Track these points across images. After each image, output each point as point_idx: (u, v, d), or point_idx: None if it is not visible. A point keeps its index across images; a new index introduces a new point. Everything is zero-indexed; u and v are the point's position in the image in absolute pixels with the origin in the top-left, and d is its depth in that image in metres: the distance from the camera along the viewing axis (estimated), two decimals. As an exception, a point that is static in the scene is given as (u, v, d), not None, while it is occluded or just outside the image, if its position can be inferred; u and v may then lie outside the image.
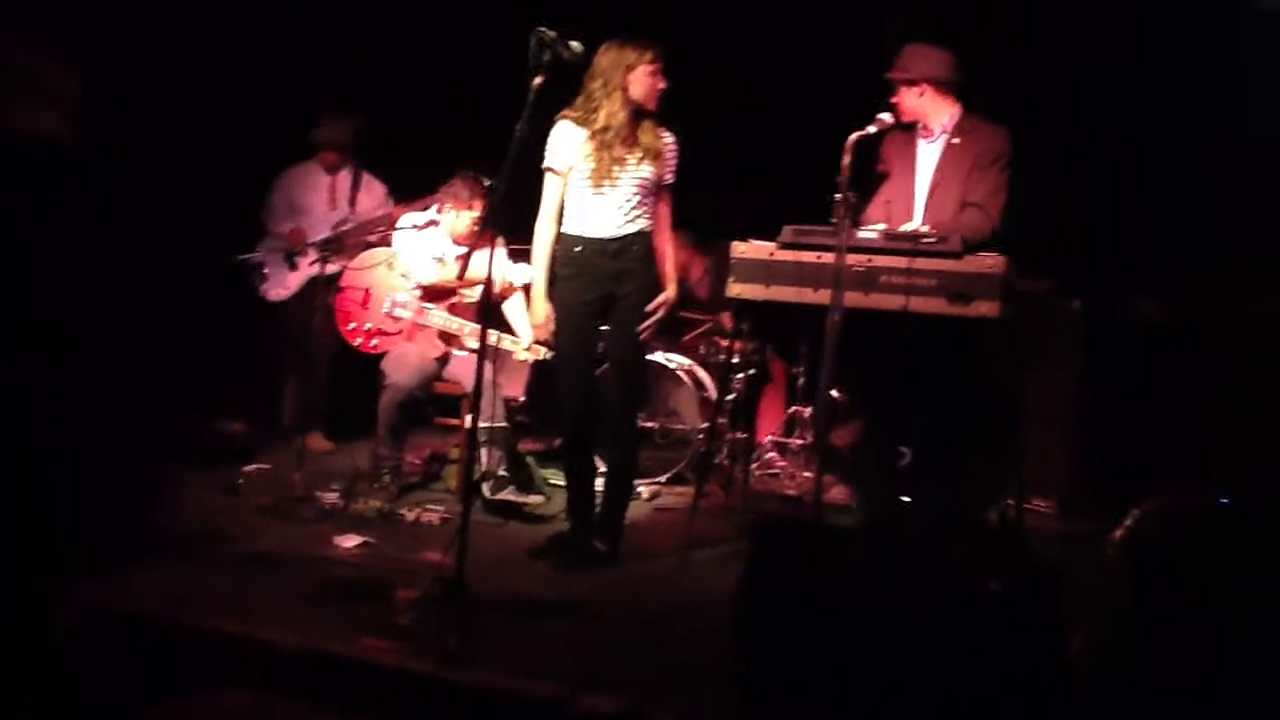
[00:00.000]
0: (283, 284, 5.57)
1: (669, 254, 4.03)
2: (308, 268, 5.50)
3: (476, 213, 4.86)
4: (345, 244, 5.42)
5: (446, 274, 4.85)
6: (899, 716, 2.38)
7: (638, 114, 3.84)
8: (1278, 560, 2.39)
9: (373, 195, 5.66)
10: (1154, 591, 2.43)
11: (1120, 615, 2.46)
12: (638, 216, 3.89)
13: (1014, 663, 2.41)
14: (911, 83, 4.09)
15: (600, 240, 3.89)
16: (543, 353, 4.51)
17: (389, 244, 5.03)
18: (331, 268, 5.44)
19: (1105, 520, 2.75)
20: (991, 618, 2.47)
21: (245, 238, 5.62)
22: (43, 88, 4.84)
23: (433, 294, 4.90)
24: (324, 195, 5.63)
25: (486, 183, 4.84)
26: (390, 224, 5.34)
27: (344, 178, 5.66)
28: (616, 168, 3.83)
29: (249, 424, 5.39)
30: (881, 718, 2.38)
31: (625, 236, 3.88)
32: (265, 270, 5.57)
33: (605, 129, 3.81)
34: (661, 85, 3.84)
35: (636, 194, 3.86)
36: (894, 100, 4.10)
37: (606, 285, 3.91)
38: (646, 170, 3.86)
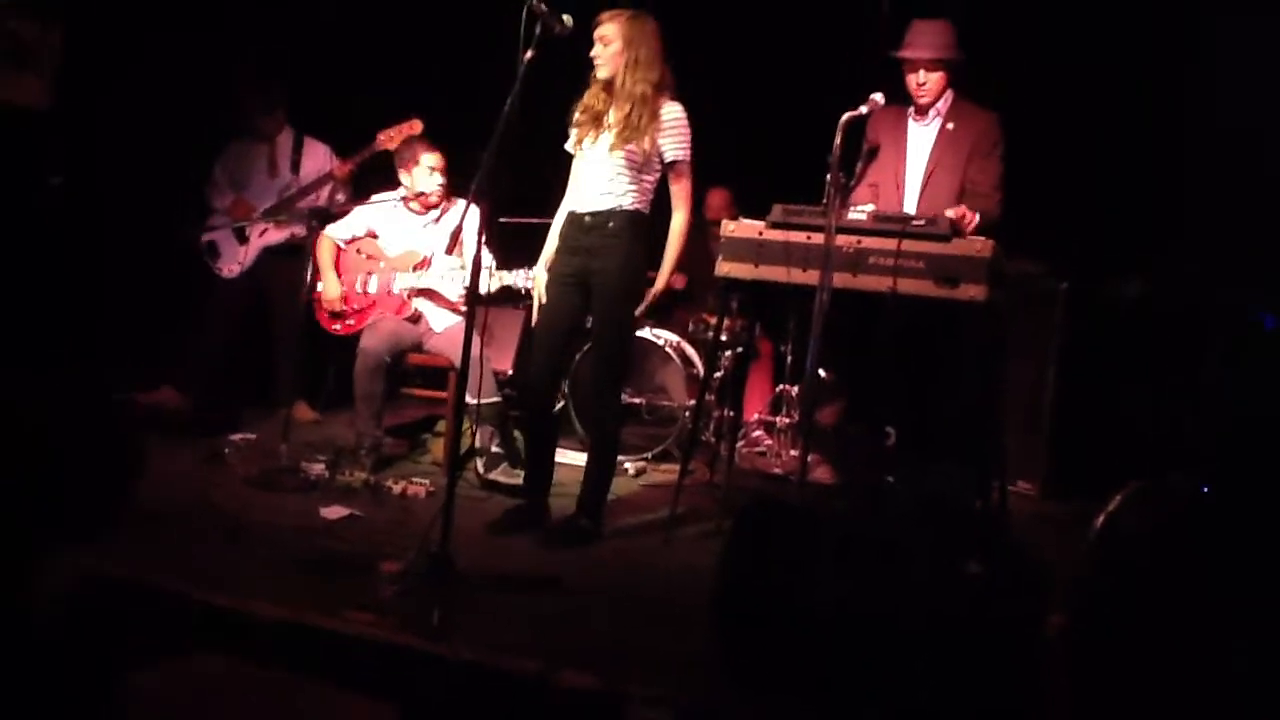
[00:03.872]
0: (235, 259, 5.49)
1: (676, 237, 3.89)
2: (258, 239, 5.48)
3: (427, 173, 4.83)
4: (293, 208, 5.40)
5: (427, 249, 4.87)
6: (877, 701, 2.39)
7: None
8: (1255, 548, 2.40)
9: (315, 157, 5.56)
10: (1133, 577, 2.44)
11: (1099, 600, 2.47)
12: (621, 194, 3.80)
13: (992, 647, 2.43)
14: (949, 65, 4.05)
15: (577, 214, 3.89)
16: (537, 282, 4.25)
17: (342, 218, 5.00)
18: (280, 235, 5.44)
19: (1086, 502, 2.76)
20: (970, 602, 2.48)
21: (201, 213, 5.59)
22: (24, 52, 4.80)
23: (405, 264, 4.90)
24: (262, 165, 5.55)
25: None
26: (336, 180, 5.34)
27: (283, 144, 5.57)
28: (589, 140, 3.86)
29: (185, 396, 5.34)
30: (860, 703, 2.40)
31: (599, 212, 3.83)
32: (218, 247, 5.52)
33: (581, 99, 3.90)
34: (592, 53, 3.80)
35: (621, 171, 3.79)
36: (920, 83, 4.04)
37: (579, 259, 3.88)
38: (631, 147, 3.76)
